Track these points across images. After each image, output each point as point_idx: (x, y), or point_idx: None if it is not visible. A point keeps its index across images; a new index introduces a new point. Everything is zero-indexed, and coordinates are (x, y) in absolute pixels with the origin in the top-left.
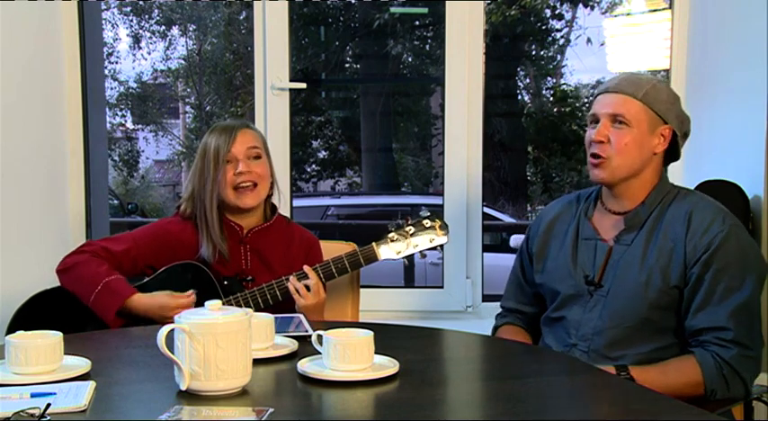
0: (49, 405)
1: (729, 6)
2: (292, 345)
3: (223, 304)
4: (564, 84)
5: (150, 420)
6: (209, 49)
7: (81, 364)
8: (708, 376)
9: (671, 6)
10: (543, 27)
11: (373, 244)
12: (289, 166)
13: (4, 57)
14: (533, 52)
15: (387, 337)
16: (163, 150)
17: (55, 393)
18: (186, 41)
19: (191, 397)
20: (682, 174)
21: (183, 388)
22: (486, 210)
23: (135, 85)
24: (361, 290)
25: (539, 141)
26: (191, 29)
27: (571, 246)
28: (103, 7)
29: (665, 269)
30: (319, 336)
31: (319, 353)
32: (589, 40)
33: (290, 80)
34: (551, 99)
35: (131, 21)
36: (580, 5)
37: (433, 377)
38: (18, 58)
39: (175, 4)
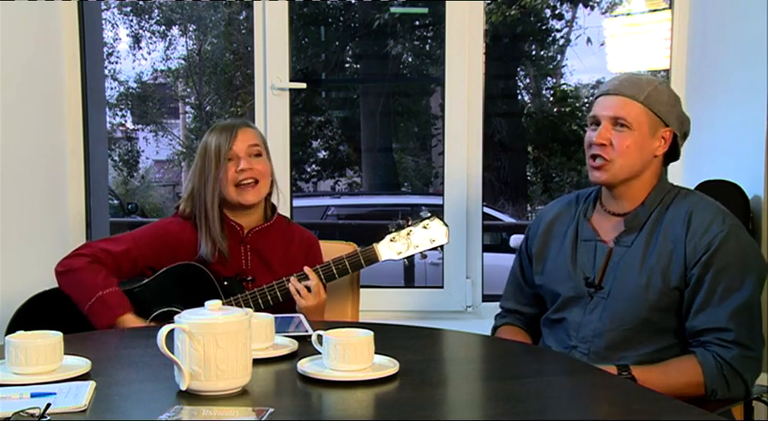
0: (49, 405)
1: (729, 6)
2: (292, 345)
3: (223, 305)
4: (564, 84)
5: (150, 420)
6: (209, 49)
7: (81, 364)
8: (708, 376)
9: (671, 6)
10: (543, 27)
11: (374, 245)
12: (289, 166)
13: (4, 57)
14: (533, 52)
15: (387, 337)
16: (163, 150)
17: (55, 393)
18: (186, 41)
19: (191, 397)
20: (682, 174)
21: (183, 388)
22: (486, 210)
23: (135, 85)
24: (361, 290)
25: (539, 141)
26: (191, 29)
27: (570, 248)
28: (103, 7)
29: (666, 270)
30: (319, 336)
31: (319, 353)
32: (589, 40)
33: (290, 80)
34: (551, 99)
35: (131, 21)
36: (580, 5)
37: (433, 377)
38: (18, 58)
39: (175, 4)
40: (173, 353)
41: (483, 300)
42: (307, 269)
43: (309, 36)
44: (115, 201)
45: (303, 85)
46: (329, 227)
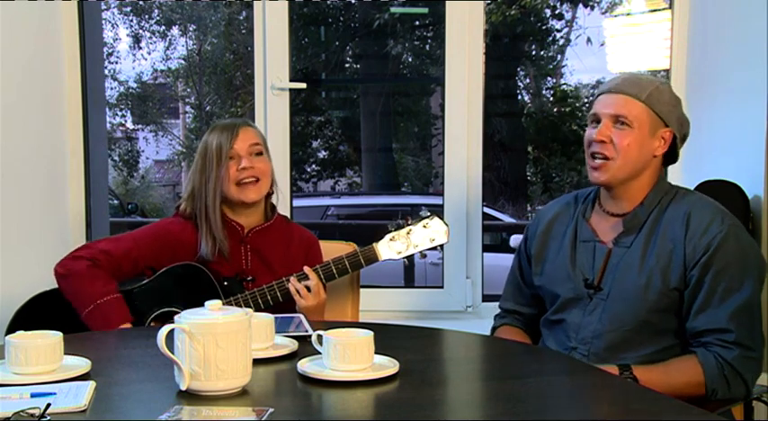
0: (49, 405)
1: (729, 6)
2: (292, 345)
3: (223, 305)
4: (564, 84)
5: (150, 420)
6: (209, 49)
7: (81, 364)
8: (709, 376)
9: (671, 6)
10: (543, 27)
11: (374, 244)
12: (289, 166)
13: (4, 57)
14: (533, 52)
15: (387, 337)
16: (163, 150)
17: (55, 393)
18: (186, 41)
19: (191, 397)
20: (681, 175)
21: (183, 388)
22: (486, 210)
23: (135, 85)
24: (361, 290)
25: (539, 141)
26: (191, 29)
27: (569, 248)
28: (103, 7)
29: (665, 271)
30: (319, 336)
31: (319, 353)
32: (589, 40)
33: (290, 80)
34: (551, 99)
35: (131, 21)
36: (580, 5)
37: (433, 377)
38: (18, 58)
39: (175, 4)
40: (173, 353)
41: (483, 300)
42: (306, 269)
43: (309, 36)
44: (115, 201)
45: (303, 85)
46: (329, 227)
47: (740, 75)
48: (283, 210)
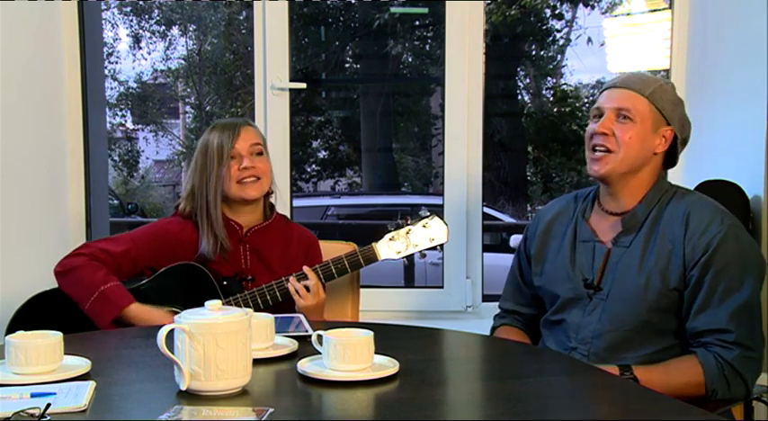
0: (49, 405)
1: (729, 6)
2: (292, 345)
3: (223, 305)
4: (564, 84)
5: (150, 420)
6: (209, 49)
7: (81, 364)
8: (709, 376)
9: (671, 6)
10: (543, 27)
11: (373, 244)
12: (289, 166)
13: (4, 57)
14: (533, 52)
15: (387, 337)
16: (163, 150)
17: (55, 393)
18: (186, 41)
19: (191, 397)
20: (682, 174)
21: (183, 388)
22: (486, 210)
23: (135, 85)
24: (361, 290)
25: (539, 141)
26: (191, 29)
27: (569, 248)
28: (103, 7)
29: (665, 271)
30: (319, 336)
31: (319, 353)
32: (590, 40)
33: (290, 80)
34: (551, 99)
35: (131, 21)
36: (580, 5)
37: (433, 377)
38: (18, 58)
39: (175, 4)
40: (173, 353)
41: (483, 300)
42: (306, 268)
43: (309, 36)
44: (115, 201)
45: (303, 85)
46: (329, 227)
47: (740, 75)
48: (283, 210)
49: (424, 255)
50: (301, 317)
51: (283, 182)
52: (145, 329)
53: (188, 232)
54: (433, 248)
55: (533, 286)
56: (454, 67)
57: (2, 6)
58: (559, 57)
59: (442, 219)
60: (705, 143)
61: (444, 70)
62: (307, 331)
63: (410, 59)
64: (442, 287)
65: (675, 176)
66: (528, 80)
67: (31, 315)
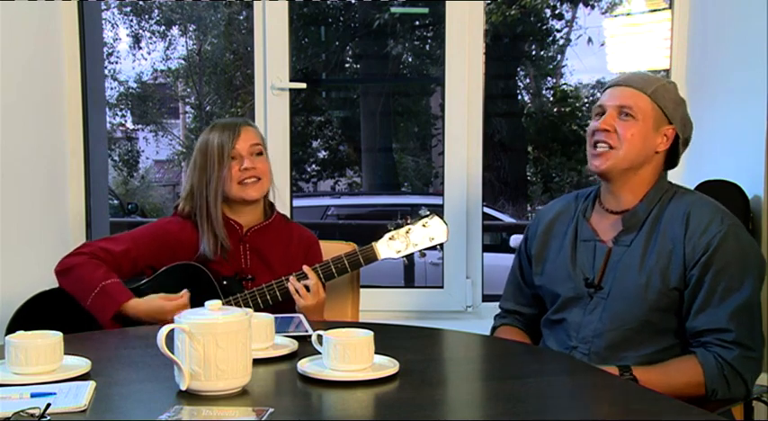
0: (49, 405)
1: (729, 6)
2: (292, 345)
3: (223, 305)
4: (564, 84)
5: (150, 420)
6: (209, 49)
7: (81, 364)
8: (709, 376)
9: (671, 6)
10: (543, 27)
11: (373, 243)
12: (289, 166)
13: (4, 57)
14: (533, 52)
15: (387, 337)
16: (163, 150)
17: (55, 393)
18: (186, 41)
19: (191, 397)
20: (682, 174)
21: (183, 388)
22: (486, 210)
23: (135, 85)
24: (361, 290)
25: (539, 141)
26: (191, 29)
27: (570, 248)
28: (103, 7)
29: (665, 271)
30: (319, 336)
31: (319, 353)
32: (590, 40)
33: (290, 80)
34: (551, 99)
35: (131, 21)
36: (580, 5)
37: (433, 377)
38: (18, 58)
39: (175, 4)
40: (173, 353)
41: (483, 300)
42: (306, 268)
43: (309, 36)
44: (115, 201)
45: (303, 85)
46: (329, 227)
47: (740, 75)
48: (283, 210)
49: (423, 255)
50: (301, 317)
51: (283, 182)
52: (145, 329)
53: (188, 232)
54: (433, 248)
55: (534, 286)
56: (454, 67)
57: (2, 6)
58: (559, 57)
59: (441, 218)
60: (705, 143)
61: (444, 70)
62: (307, 331)
63: (410, 59)
64: (442, 287)
65: (675, 176)
66: (528, 80)
67: (32, 315)
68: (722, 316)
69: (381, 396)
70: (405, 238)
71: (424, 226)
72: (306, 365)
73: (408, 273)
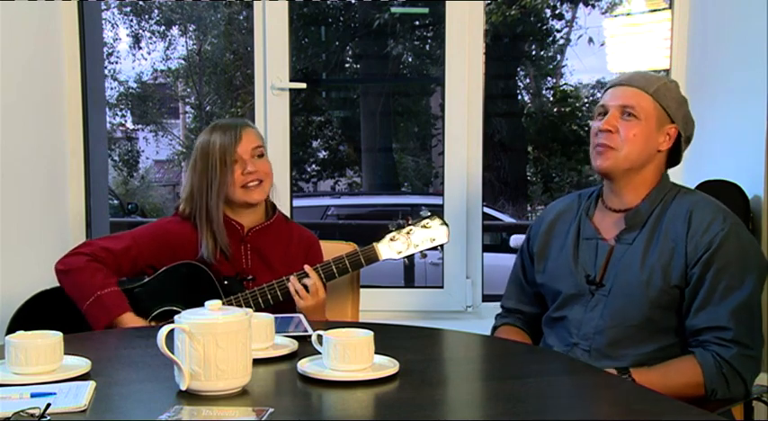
0: (49, 405)
1: (729, 6)
2: (292, 345)
3: (223, 304)
4: (564, 84)
5: (150, 420)
6: (209, 49)
7: (81, 364)
8: (708, 376)
9: (671, 6)
10: (543, 27)
11: (374, 244)
12: (289, 166)
13: (4, 57)
14: (533, 52)
15: (387, 337)
16: (163, 150)
17: (55, 393)
18: (186, 41)
19: (191, 397)
20: (682, 174)
21: (183, 388)
22: (486, 210)
23: (135, 85)
24: (361, 290)
25: (539, 141)
26: (191, 29)
27: (572, 246)
28: (103, 7)
29: (666, 268)
30: (319, 336)
31: (319, 353)
32: (591, 40)
33: (290, 80)
34: (551, 99)
35: (131, 21)
36: (580, 5)
37: (433, 377)
38: (18, 58)
39: (175, 4)
40: (173, 353)
41: (483, 300)
42: (307, 267)
43: (309, 36)
44: (115, 201)
45: (303, 85)
46: (329, 227)
47: (740, 75)
48: (283, 210)
49: (424, 255)
50: (301, 316)
51: (283, 182)
52: (145, 329)
53: (188, 232)
54: (434, 248)
55: (536, 284)
56: (454, 67)
57: (2, 6)
58: (559, 57)
59: (442, 219)
60: (705, 143)
61: (444, 70)
62: (306, 331)
63: (410, 59)
64: (442, 287)
65: (676, 176)
66: (528, 80)
67: (32, 314)
68: (722, 314)
69: (381, 396)
70: (406, 239)
71: (425, 227)
72: (306, 365)
73: (408, 273)
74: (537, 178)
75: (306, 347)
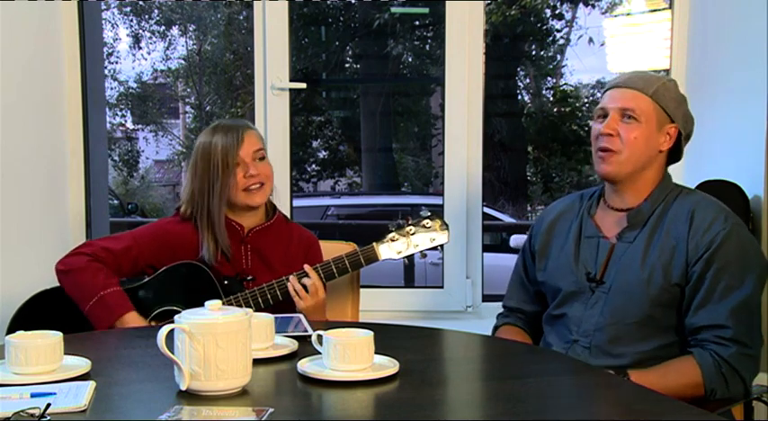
0: (49, 405)
1: (729, 6)
2: (292, 345)
3: (223, 304)
4: (564, 84)
5: (150, 420)
6: (209, 49)
7: (81, 364)
8: (707, 375)
9: (671, 6)
10: (543, 27)
11: (374, 244)
12: (289, 166)
13: (4, 57)
14: (533, 52)
15: (387, 337)
16: (163, 150)
17: (55, 393)
18: (186, 41)
19: (191, 397)
20: (682, 174)
21: (183, 388)
22: (486, 210)
23: (135, 85)
24: (361, 290)
25: (539, 141)
26: (191, 29)
27: (573, 244)
28: (103, 7)
29: (667, 267)
30: (319, 336)
31: (319, 353)
32: (591, 40)
33: (290, 80)
34: (551, 99)
35: (131, 21)
36: (580, 5)
37: (433, 377)
38: (18, 58)
39: (175, 4)
40: (173, 353)
41: (483, 300)
42: (307, 267)
43: (309, 36)
44: (115, 201)
45: (303, 85)
46: (329, 227)
47: (740, 75)
48: (283, 210)
49: (424, 255)
50: (301, 316)
51: (283, 182)
52: (145, 329)
53: (188, 233)
54: (434, 248)
55: (537, 283)
56: (454, 67)
57: (2, 6)
58: (559, 57)
59: (442, 219)
60: (705, 143)
61: (444, 70)
62: (306, 331)
63: (410, 59)
64: (442, 287)
65: (676, 176)
66: (528, 80)
67: (32, 314)
68: (722, 312)
69: (381, 396)
70: (406, 239)
71: (425, 227)
72: (306, 365)
73: (408, 272)
74: (537, 178)
75: (306, 347)
